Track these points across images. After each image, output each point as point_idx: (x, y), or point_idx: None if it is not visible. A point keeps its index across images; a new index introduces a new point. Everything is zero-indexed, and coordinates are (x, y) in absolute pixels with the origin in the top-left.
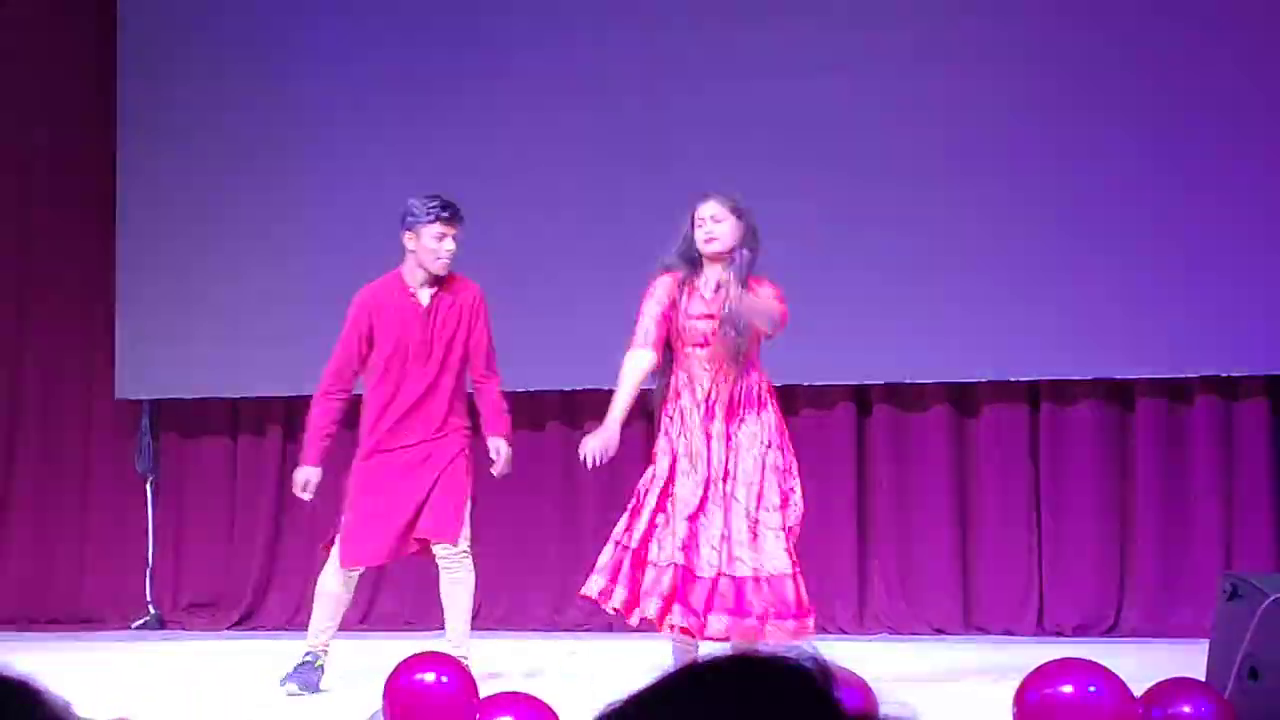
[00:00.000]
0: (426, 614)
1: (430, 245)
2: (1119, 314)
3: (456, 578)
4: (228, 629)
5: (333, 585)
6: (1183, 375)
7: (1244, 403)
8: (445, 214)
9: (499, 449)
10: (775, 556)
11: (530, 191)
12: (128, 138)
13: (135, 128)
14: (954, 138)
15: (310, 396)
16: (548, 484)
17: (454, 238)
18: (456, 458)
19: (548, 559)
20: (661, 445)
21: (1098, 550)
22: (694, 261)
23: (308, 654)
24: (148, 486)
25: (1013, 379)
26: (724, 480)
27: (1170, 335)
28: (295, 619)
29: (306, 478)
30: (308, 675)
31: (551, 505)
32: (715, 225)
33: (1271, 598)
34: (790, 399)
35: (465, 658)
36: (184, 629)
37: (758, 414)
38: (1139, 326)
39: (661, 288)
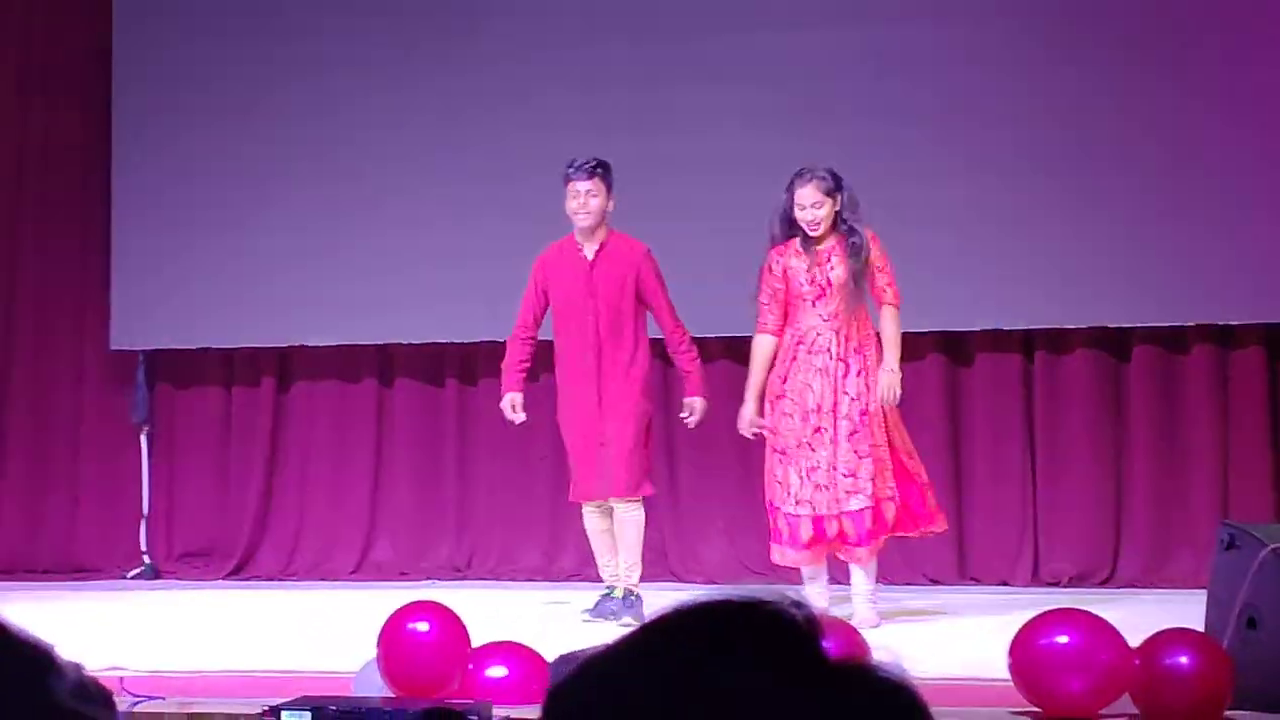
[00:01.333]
0: (419, 563)
1: (569, 204)
2: (1114, 262)
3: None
4: (222, 578)
5: (587, 523)
6: (1179, 324)
7: (1240, 351)
8: (569, 170)
9: (691, 407)
10: None
11: (536, 143)
12: (123, 88)
13: (130, 78)
14: (948, 88)
15: (303, 346)
16: (540, 435)
17: (588, 193)
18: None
19: (540, 509)
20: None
21: (1094, 500)
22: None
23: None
24: (142, 437)
25: (1007, 328)
26: None
27: (1166, 283)
28: (289, 568)
29: (510, 401)
30: (603, 606)
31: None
32: (816, 210)
33: (1270, 547)
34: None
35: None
36: (178, 579)
37: None
38: (1134, 275)
39: (774, 266)
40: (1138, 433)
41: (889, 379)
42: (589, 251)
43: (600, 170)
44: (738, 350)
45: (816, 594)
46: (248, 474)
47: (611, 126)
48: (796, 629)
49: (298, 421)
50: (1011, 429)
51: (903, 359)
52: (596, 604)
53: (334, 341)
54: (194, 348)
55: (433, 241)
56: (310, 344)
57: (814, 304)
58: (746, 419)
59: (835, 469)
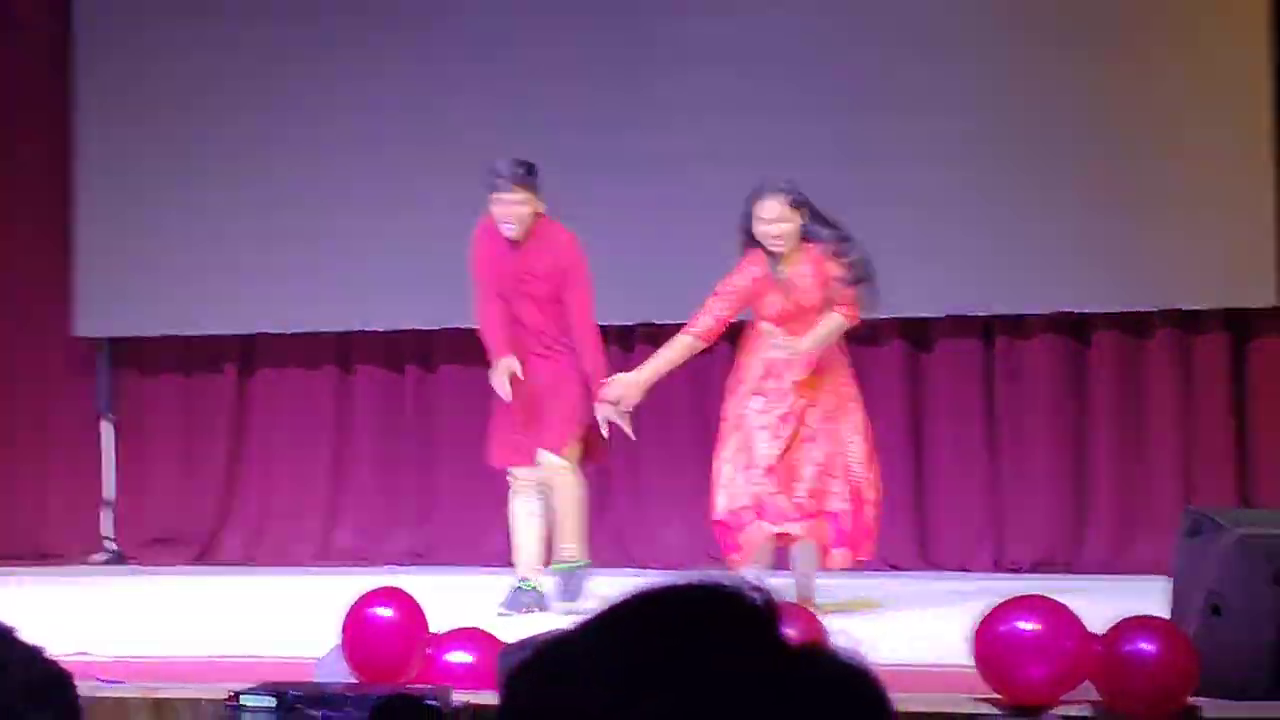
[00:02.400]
0: (380, 549)
1: (495, 211)
2: (1075, 247)
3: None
4: (186, 564)
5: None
6: (1141, 308)
7: (1203, 336)
8: (494, 178)
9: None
10: None
11: (521, 127)
12: (84, 75)
13: (93, 63)
14: (909, 73)
15: (265, 334)
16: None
17: (512, 202)
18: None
19: (500, 495)
20: None
21: (1056, 486)
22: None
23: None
24: (106, 423)
25: (968, 313)
26: None
27: (1128, 268)
28: (254, 552)
29: (506, 366)
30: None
31: None
32: (780, 225)
33: (1233, 534)
34: (736, 335)
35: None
36: (143, 564)
37: None
38: (1096, 259)
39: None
40: (1100, 418)
41: (789, 344)
42: (519, 250)
43: (525, 175)
44: None
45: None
46: (211, 460)
47: (575, 115)
48: (755, 613)
49: (260, 408)
50: (973, 415)
51: (863, 342)
52: (510, 597)
53: (295, 329)
54: (157, 335)
55: (393, 229)
56: (272, 331)
57: (777, 325)
58: (615, 393)
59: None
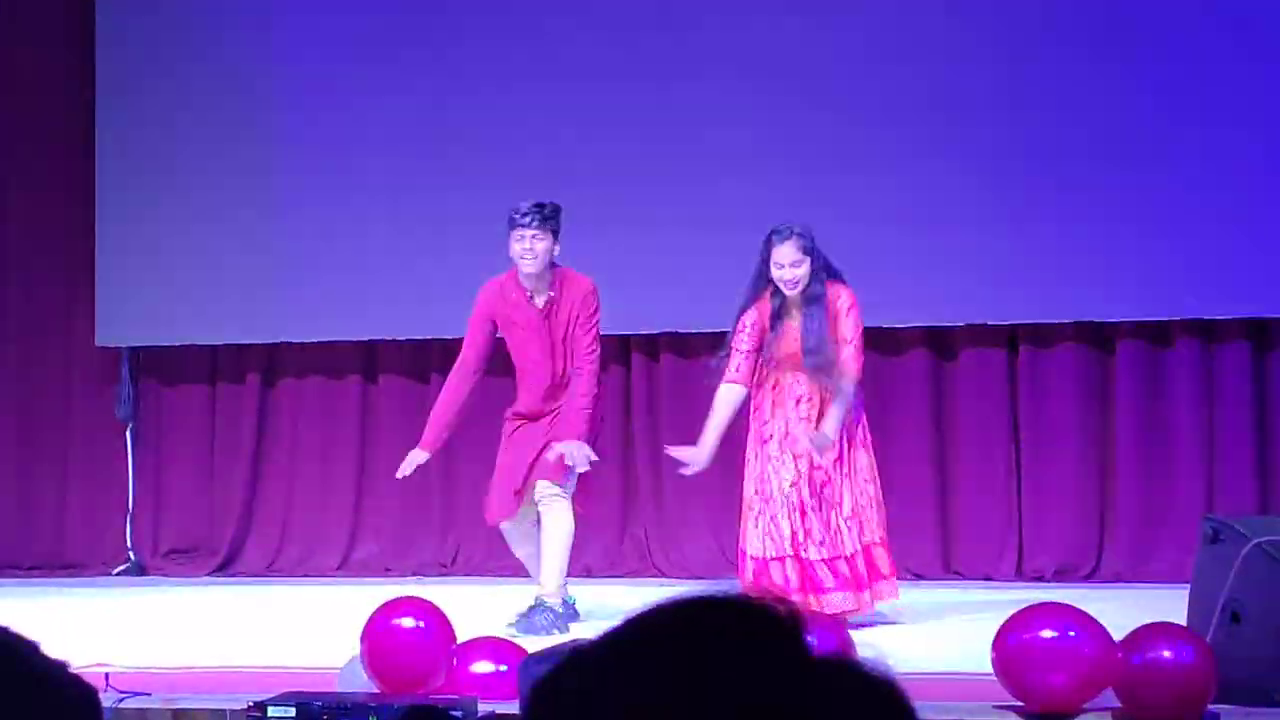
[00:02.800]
0: (404, 560)
1: (513, 248)
2: (1099, 257)
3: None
4: (208, 575)
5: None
6: (1163, 318)
7: (1224, 345)
8: (514, 215)
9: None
10: None
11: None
12: (105, 86)
13: (114, 77)
14: (932, 82)
15: (288, 343)
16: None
17: (534, 238)
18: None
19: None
20: None
21: (1078, 495)
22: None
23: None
24: (128, 433)
25: (991, 322)
26: None
27: (1150, 278)
28: (274, 564)
29: (413, 458)
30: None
31: None
32: (794, 270)
33: (1253, 542)
34: None
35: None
36: (164, 575)
37: None
38: (1119, 269)
39: (749, 322)
40: (1122, 427)
41: (817, 437)
42: (540, 301)
43: (546, 215)
44: (722, 346)
45: None
46: (233, 470)
47: (599, 122)
48: (781, 624)
49: (283, 418)
50: (996, 424)
51: (886, 352)
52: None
53: (319, 338)
54: (179, 344)
55: (417, 238)
56: (295, 341)
57: (787, 367)
58: (700, 460)
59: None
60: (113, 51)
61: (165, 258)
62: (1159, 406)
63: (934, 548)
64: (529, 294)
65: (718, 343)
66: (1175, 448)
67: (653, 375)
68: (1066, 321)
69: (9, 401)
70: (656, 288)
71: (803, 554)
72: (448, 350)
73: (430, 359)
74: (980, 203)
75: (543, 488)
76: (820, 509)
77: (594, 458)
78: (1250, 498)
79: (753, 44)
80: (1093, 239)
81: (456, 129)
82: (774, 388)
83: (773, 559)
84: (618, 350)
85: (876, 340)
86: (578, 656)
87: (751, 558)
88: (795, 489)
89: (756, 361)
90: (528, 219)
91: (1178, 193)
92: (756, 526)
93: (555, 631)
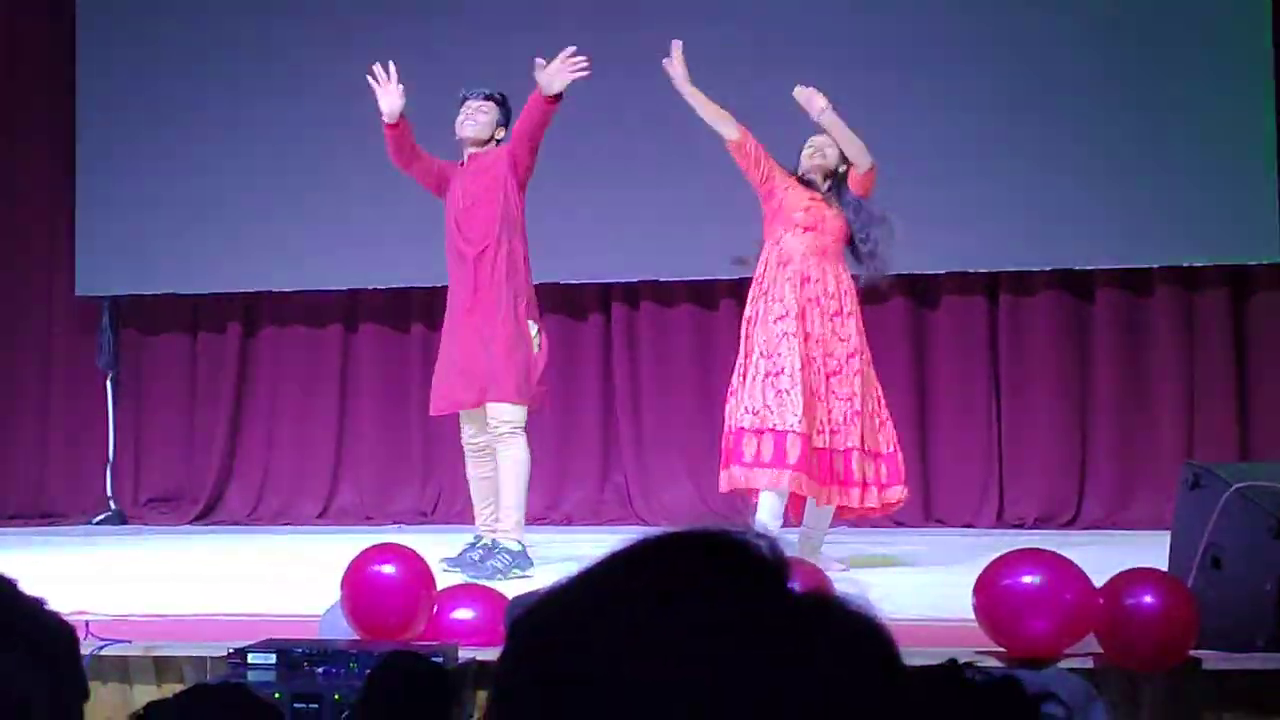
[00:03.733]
0: (385, 508)
1: (457, 119)
2: (1078, 205)
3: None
4: (188, 523)
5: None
6: (1143, 265)
7: (1204, 293)
8: (464, 94)
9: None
10: None
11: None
12: (86, 35)
13: (94, 25)
14: (912, 30)
15: (269, 292)
16: None
17: (478, 109)
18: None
19: None
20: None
21: (1058, 442)
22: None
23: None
24: (108, 383)
25: (971, 270)
26: None
27: (1130, 225)
28: (255, 512)
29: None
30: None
31: None
32: (827, 149)
33: (1233, 487)
34: (740, 293)
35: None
36: (145, 524)
37: None
38: (1098, 217)
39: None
40: (1102, 374)
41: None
42: (466, 158)
43: (492, 93)
44: (702, 295)
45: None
46: (214, 420)
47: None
48: (764, 561)
49: (263, 367)
50: (976, 372)
51: (868, 300)
52: (461, 552)
53: (299, 287)
54: (159, 294)
55: (397, 186)
56: (276, 290)
57: (803, 232)
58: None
59: (855, 409)
60: (92, 3)
61: (145, 208)
62: (1139, 354)
63: (915, 495)
64: (466, 157)
65: (698, 291)
66: (1155, 395)
67: (632, 323)
68: (1046, 269)
69: None
70: (636, 236)
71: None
72: (429, 299)
73: (411, 307)
74: (959, 152)
75: (495, 417)
76: (826, 399)
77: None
78: (1230, 444)
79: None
80: (1072, 187)
81: (440, 74)
82: (790, 280)
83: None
84: (598, 298)
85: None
86: (557, 593)
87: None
88: (806, 369)
89: (764, 164)
90: (474, 92)
91: (1157, 140)
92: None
93: (513, 573)
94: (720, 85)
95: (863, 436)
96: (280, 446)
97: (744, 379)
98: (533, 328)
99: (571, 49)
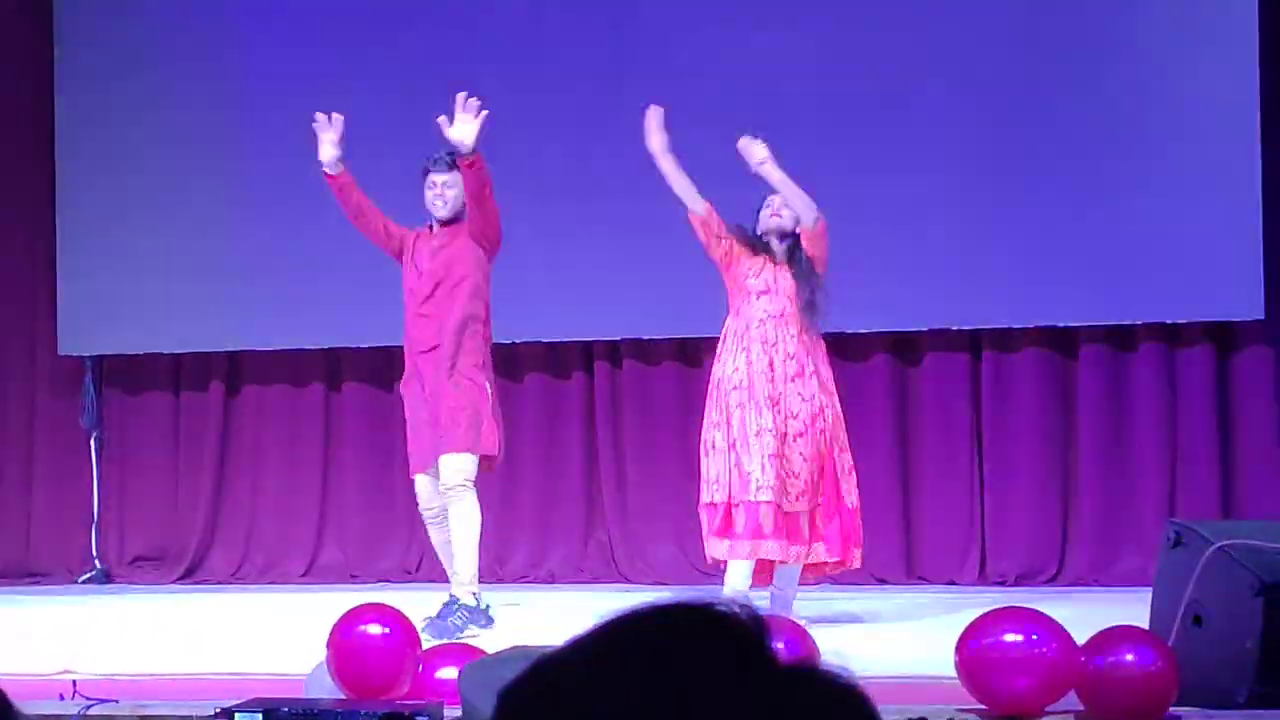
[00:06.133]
0: (369, 566)
1: (426, 195)
2: (1062, 261)
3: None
4: (173, 582)
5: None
6: (1126, 322)
7: (1187, 349)
8: (426, 162)
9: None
10: None
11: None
12: (65, 93)
13: (73, 84)
14: (894, 87)
15: (251, 351)
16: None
17: (445, 185)
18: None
19: (489, 513)
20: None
21: (1040, 499)
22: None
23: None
24: (92, 442)
25: (954, 327)
26: None
27: (1113, 282)
28: (240, 571)
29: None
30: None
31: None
32: (784, 210)
33: (1215, 545)
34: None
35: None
36: (130, 583)
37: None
38: (1081, 274)
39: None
40: (1085, 431)
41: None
42: (432, 229)
43: (455, 161)
44: (687, 353)
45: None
46: (198, 478)
47: (563, 128)
48: (745, 631)
49: (247, 426)
50: (959, 428)
51: (850, 357)
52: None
53: (282, 346)
54: (142, 353)
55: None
56: (258, 348)
57: (758, 298)
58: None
59: (810, 470)
60: (73, 56)
61: (128, 266)
62: (1122, 410)
63: (897, 552)
64: (432, 227)
65: (681, 349)
66: (1138, 452)
67: (615, 381)
68: (1030, 326)
69: None
70: (619, 294)
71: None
72: None
73: (394, 366)
74: (943, 208)
75: (446, 477)
76: (790, 459)
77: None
78: (1213, 502)
79: (717, 52)
80: (1056, 243)
81: (423, 136)
82: (755, 337)
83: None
84: (580, 356)
85: (839, 345)
86: (545, 662)
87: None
88: (767, 434)
89: (725, 241)
90: (437, 164)
91: (1141, 197)
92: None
93: (470, 628)
94: (699, 142)
95: (824, 495)
96: (264, 505)
97: (707, 451)
98: (487, 387)
99: (462, 95)
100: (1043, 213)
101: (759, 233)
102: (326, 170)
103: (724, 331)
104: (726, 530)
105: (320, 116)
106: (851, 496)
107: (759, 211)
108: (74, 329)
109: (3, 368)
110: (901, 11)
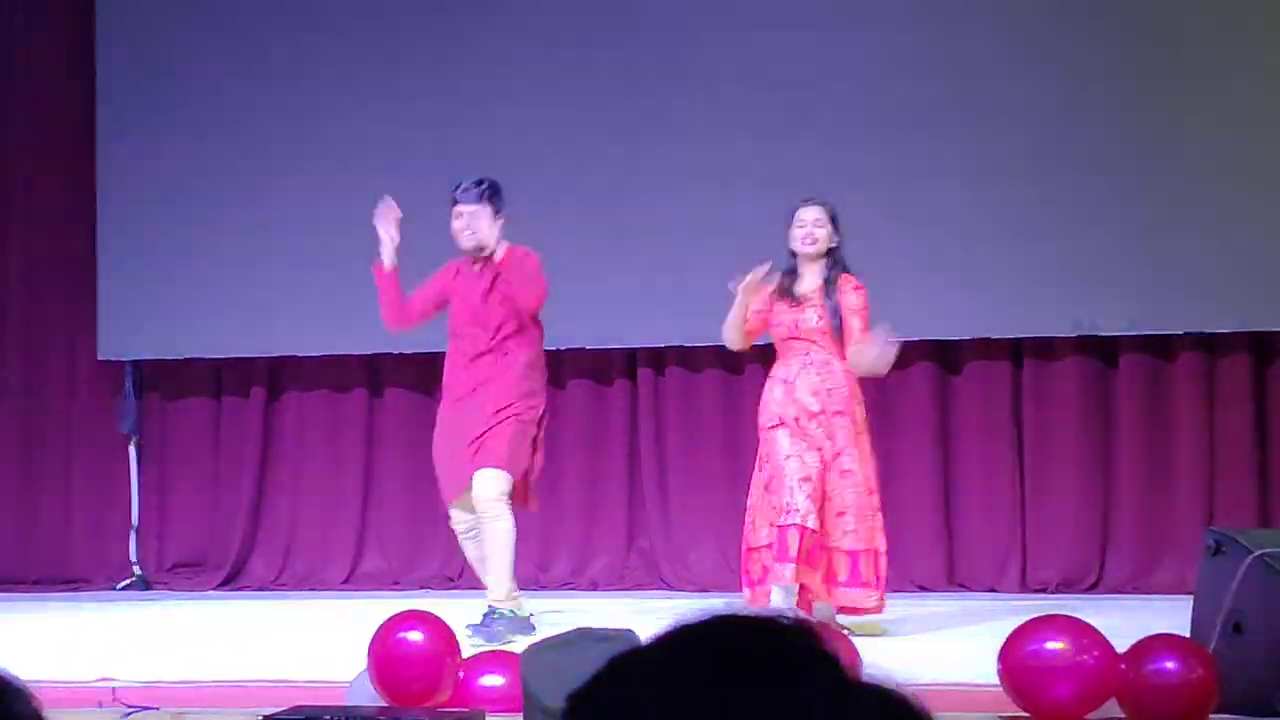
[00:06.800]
0: (411, 573)
1: (454, 225)
2: (1102, 271)
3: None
4: (213, 589)
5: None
6: (1165, 332)
7: (1226, 358)
8: (453, 191)
9: None
10: None
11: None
12: (108, 98)
13: (116, 88)
14: (937, 94)
15: (293, 357)
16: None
17: (472, 215)
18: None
19: (531, 518)
20: None
21: (1081, 507)
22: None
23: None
24: (131, 448)
25: (995, 336)
26: None
27: (1153, 292)
28: (279, 578)
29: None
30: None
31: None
32: (817, 229)
33: (1255, 553)
34: (768, 358)
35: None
36: (169, 589)
37: None
38: (1122, 283)
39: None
40: (1125, 439)
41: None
42: (479, 267)
43: (484, 191)
44: (727, 359)
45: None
46: (238, 484)
47: (608, 135)
48: (814, 644)
49: (288, 432)
50: (1000, 436)
51: (893, 365)
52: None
53: (323, 352)
54: (182, 358)
55: (422, 252)
56: (299, 354)
57: (784, 342)
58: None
59: (839, 508)
60: (114, 65)
61: (168, 271)
62: (1161, 419)
63: (939, 560)
64: (472, 262)
65: (724, 356)
66: (1177, 460)
67: (659, 389)
68: (1070, 335)
69: (13, 416)
70: (663, 301)
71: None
72: None
73: (435, 373)
74: (984, 217)
75: (480, 491)
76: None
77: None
78: (1251, 510)
79: (757, 57)
80: (1096, 253)
81: (459, 143)
82: (784, 376)
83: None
84: (624, 364)
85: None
86: (614, 669)
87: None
88: (806, 481)
89: (759, 325)
90: (465, 195)
91: (1181, 207)
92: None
93: (514, 638)
94: (748, 148)
95: (843, 535)
96: (305, 511)
97: (753, 492)
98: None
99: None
100: (1082, 223)
101: (793, 249)
102: (386, 267)
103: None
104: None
105: (384, 210)
106: (868, 542)
107: (790, 228)
108: (114, 334)
109: (43, 372)
110: (945, 19)
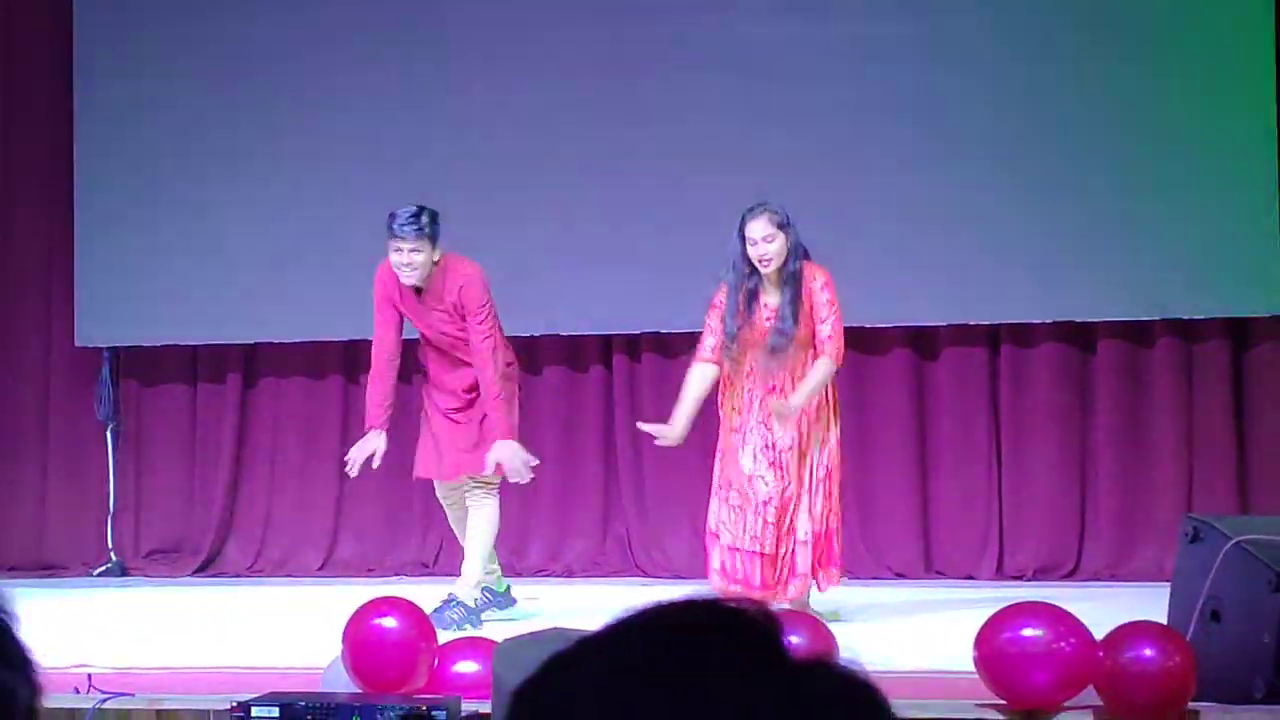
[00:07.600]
0: (386, 559)
1: (392, 257)
2: (1079, 257)
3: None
4: (189, 575)
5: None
6: (1144, 318)
7: (1204, 345)
8: (391, 223)
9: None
10: None
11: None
12: (84, 83)
13: (93, 72)
14: (915, 83)
15: (268, 343)
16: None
17: (412, 250)
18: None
19: (506, 505)
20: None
21: (1058, 494)
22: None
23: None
24: (108, 434)
25: (973, 322)
26: None
27: (1131, 278)
28: (256, 564)
29: (374, 444)
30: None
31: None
32: (767, 245)
33: (1233, 540)
34: None
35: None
36: (146, 576)
37: None
38: (1100, 269)
39: (721, 299)
40: (1102, 426)
41: (781, 405)
42: (420, 295)
43: (423, 226)
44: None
45: None
46: (214, 471)
47: (581, 119)
48: (757, 627)
49: (264, 418)
50: (977, 423)
51: (869, 351)
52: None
53: (299, 338)
54: (159, 344)
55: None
56: (276, 340)
57: (757, 350)
58: (671, 437)
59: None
60: (90, 50)
61: (145, 257)
62: (1139, 405)
63: (915, 547)
64: (415, 290)
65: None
66: (1155, 447)
67: (634, 376)
68: (1048, 321)
69: None
70: (638, 287)
71: (767, 549)
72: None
73: (411, 359)
74: (962, 202)
75: (472, 483)
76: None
77: (533, 462)
78: (1230, 497)
79: (737, 41)
80: (1074, 238)
81: (440, 126)
82: (748, 375)
83: (742, 550)
84: (599, 350)
85: (858, 339)
86: (555, 665)
87: (723, 545)
88: (768, 504)
89: (718, 342)
90: (405, 229)
91: (1159, 192)
92: (728, 515)
93: (466, 627)
94: (725, 135)
95: (796, 526)
96: (281, 497)
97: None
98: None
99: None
100: (1061, 209)
101: (756, 261)
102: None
103: None
104: (723, 571)
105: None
106: (821, 522)
107: (742, 241)
108: (91, 320)
109: (19, 358)
110: (924, 9)
